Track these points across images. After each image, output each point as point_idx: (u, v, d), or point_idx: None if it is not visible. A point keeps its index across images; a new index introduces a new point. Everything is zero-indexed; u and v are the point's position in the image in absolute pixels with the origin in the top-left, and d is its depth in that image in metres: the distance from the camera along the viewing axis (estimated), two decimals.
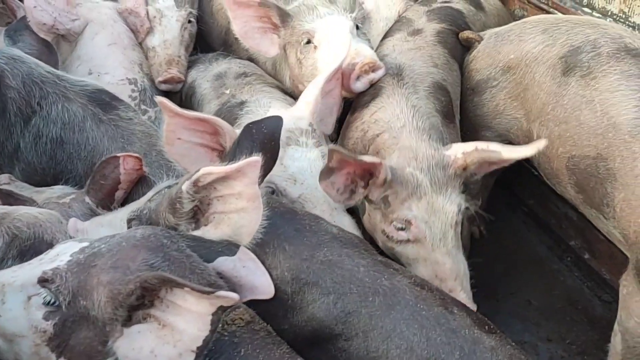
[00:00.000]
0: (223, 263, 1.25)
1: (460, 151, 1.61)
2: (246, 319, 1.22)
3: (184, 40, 2.44)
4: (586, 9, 2.18)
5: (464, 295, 1.52)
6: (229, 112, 1.95)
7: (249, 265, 1.27)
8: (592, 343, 2.14)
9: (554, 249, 2.55)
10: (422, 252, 1.57)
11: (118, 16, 2.39)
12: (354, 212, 1.76)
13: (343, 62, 1.85)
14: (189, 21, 2.47)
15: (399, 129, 1.74)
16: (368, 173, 1.59)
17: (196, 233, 1.34)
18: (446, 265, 1.54)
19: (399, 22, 2.26)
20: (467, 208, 1.61)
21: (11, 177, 1.97)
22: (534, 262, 2.52)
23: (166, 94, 2.39)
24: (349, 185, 1.60)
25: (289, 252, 1.35)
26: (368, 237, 1.68)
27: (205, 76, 2.28)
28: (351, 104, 2.01)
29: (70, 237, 1.49)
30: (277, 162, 1.53)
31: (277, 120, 1.56)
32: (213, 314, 1.05)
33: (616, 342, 1.72)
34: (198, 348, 1.06)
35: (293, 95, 2.14)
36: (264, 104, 1.91)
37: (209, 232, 1.33)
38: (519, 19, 2.47)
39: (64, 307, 1.11)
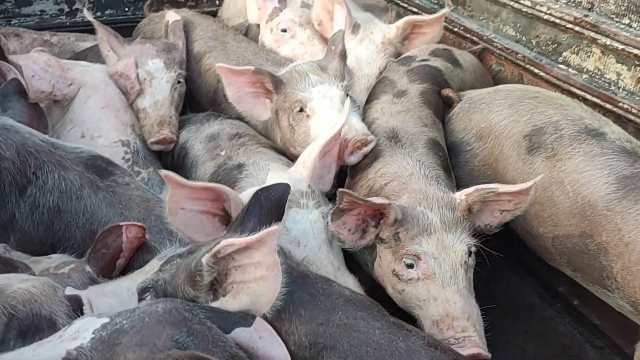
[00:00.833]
0: (240, 334, 1.26)
1: (464, 193, 1.69)
2: None
3: (174, 101, 2.47)
4: (562, 66, 2.31)
5: (477, 338, 1.52)
6: (227, 175, 1.98)
7: (265, 336, 1.28)
8: None
9: (543, 295, 2.59)
10: (432, 291, 1.60)
11: (109, 79, 2.41)
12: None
13: (337, 137, 1.92)
14: (179, 82, 2.52)
15: (407, 176, 1.82)
16: (379, 213, 1.65)
17: (214, 304, 1.35)
18: (457, 304, 1.56)
19: (382, 84, 2.34)
20: (475, 253, 1.65)
21: (6, 247, 1.93)
22: (525, 309, 2.56)
23: (158, 153, 2.44)
24: (360, 225, 1.66)
25: (305, 317, 1.37)
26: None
27: (198, 137, 2.31)
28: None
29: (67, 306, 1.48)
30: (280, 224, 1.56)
31: (284, 188, 1.59)
32: None
33: None
34: None
35: (285, 153, 2.20)
36: (262, 167, 1.95)
37: (228, 302, 1.34)
38: (496, 74, 2.63)
39: None
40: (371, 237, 1.71)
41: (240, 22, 3.03)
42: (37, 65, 2.26)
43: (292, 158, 2.10)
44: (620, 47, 2.02)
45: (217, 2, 3.53)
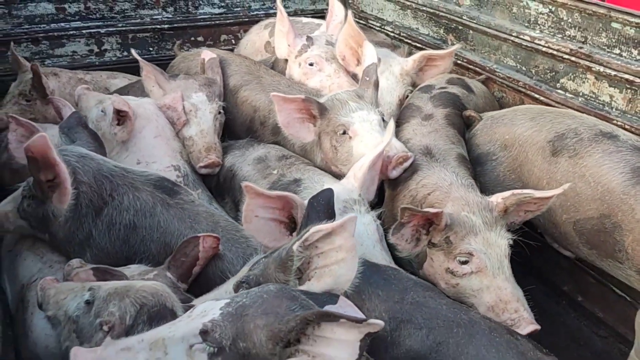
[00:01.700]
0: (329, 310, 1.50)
1: (500, 197, 1.97)
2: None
3: (216, 129, 2.73)
4: (560, 91, 2.65)
5: (527, 315, 1.79)
6: (285, 189, 2.20)
7: (349, 311, 1.48)
8: None
9: (550, 294, 2.83)
10: (485, 281, 1.85)
11: (159, 111, 2.66)
12: None
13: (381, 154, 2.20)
14: (219, 112, 2.78)
15: (448, 186, 2.09)
16: (428, 223, 1.90)
17: (301, 288, 1.58)
18: (507, 290, 1.84)
19: (410, 109, 2.66)
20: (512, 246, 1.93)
21: (81, 261, 2.12)
22: (534, 308, 2.84)
23: (204, 177, 2.68)
24: (414, 234, 1.91)
25: (382, 297, 1.63)
26: None
27: (245, 160, 2.56)
28: None
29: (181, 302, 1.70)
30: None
31: (329, 192, 1.84)
32: (361, 340, 1.25)
33: None
34: None
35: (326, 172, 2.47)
36: (317, 180, 2.23)
37: (313, 285, 1.57)
38: (499, 99, 2.98)
39: (227, 348, 1.31)
40: (424, 244, 1.95)
41: (261, 59, 3.34)
42: None
43: (332, 175, 2.38)
44: (613, 73, 2.38)
45: (233, 42, 3.83)
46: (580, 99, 2.56)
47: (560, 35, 2.61)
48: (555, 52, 2.61)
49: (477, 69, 3.05)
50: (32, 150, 1.95)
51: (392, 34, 3.59)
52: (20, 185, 2.19)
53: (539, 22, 2.70)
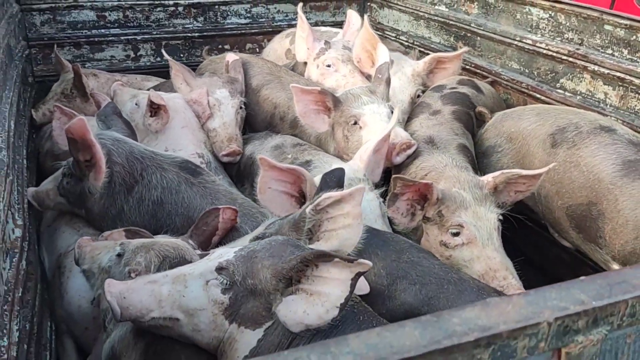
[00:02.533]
0: None
1: (491, 176, 2.14)
2: (358, 300, 1.65)
3: (238, 122, 2.96)
4: (559, 91, 2.83)
5: (515, 282, 1.92)
6: None
7: None
8: None
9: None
10: (475, 252, 1.99)
11: (187, 104, 2.92)
12: None
13: (386, 139, 2.39)
14: (240, 107, 3.00)
15: (442, 167, 2.27)
16: (423, 198, 2.06)
17: (310, 247, 1.77)
18: (497, 259, 1.96)
19: (420, 107, 2.86)
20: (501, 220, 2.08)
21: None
22: None
23: (225, 166, 2.91)
24: (409, 209, 2.07)
25: (381, 256, 1.80)
26: None
27: (264, 148, 2.77)
28: None
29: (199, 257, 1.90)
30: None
31: (341, 171, 2.03)
32: (352, 279, 1.40)
33: None
34: (341, 304, 1.41)
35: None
36: (326, 161, 2.43)
37: (321, 245, 1.73)
38: (504, 100, 3.17)
39: (238, 284, 1.50)
40: (419, 218, 2.09)
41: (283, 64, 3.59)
42: None
43: None
44: (606, 72, 2.55)
45: (257, 50, 4.10)
46: (578, 97, 2.73)
47: (559, 38, 2.80)
48: (555, 54, 2.79)
49: (484, 73, 3.25)
50: (72, 132, 2.16)
51: (406, 43, 3.82)
52: (61, 166, 2.44)
53: (540, 27, 2.89)
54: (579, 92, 2.73)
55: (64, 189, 2.37)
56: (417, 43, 3.73)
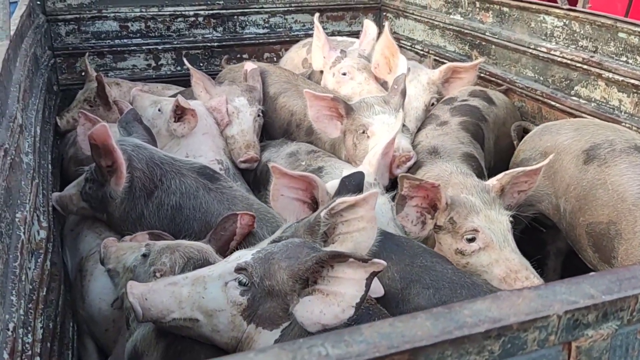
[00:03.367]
0: None
1: (495, 179, 2.14)
2: (373, 302, 1.68)
3: (255, 130, 3.01)
4: (574, 98, 2.84)
5: (538, 281, 1.88)
6: None
7: None
8: None
9: None
10: (493, 255, 1.96)
11: (207, 111, 2.98)
12: None
13: (393, 142, 2.42)
14: (258, 115, 3.06)
15: (448, 176, 2.27)
16: (433, 206, 2.06)
17: (326, 249, 1.81)
18: (516, 260, 1.94)
19: (429, 118, 2.89)
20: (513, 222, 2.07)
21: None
22: None
23: (243, 172, 2.96)
24: (420, 217, 2.07)
25: (395, 260, 1.82)
26: None
27: (279, 155, 2.82)
28: None
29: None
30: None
31: (361, 175, 2.07)
32: (367, 279, 1.41)
33: None
34: (357, 304, 1.42)
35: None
36: (337, 167, 2.47)
37: (336, 248, 1.76)
38: (519, 108, 3.18)
39: (256, 285, 1.54)
40: (430, 227, 2.07)
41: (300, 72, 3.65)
42: None
43: None
44: (621, 79, 2.56)
45: (275, 59, 4.17)
46: (592, 105, 2.74)
47: (573, 46, 2.82)
48: (569, 62, 2.81)
49: (498, 80, 3.27)
50: (95, 138, 2.21)
51: (421, 52, 3.86)
52: (84, 169, 2.50)
53: (554, 35, 2.91)
54: (593, 100, 2.74)
55: (86, 193, 2.43)
56: (432, 52, 3.76)
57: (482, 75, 3.33)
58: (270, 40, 4.14)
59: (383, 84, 3.13)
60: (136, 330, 1.80)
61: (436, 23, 3.74)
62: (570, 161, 2.35)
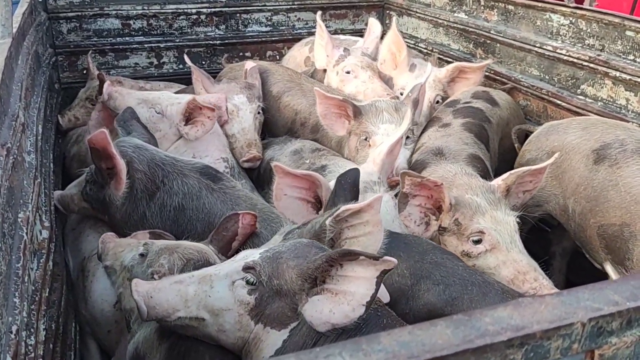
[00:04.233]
0: None
1: (500, 179, 2.11)
2: (382, 304, 1.65)
3: (256, 128, 2.99)
4: (580, 97, 2.82)
5: (547, 282, 1.86)
6: None
7: None
8: None
9: None
10: (500, 257, 1.93)
11: None
12: None
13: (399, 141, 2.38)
14: (259, 112, 3.04)
15: (452, 176, 2.23)
16: (437, 208, 2.03)
17: None
18: (523, 261, 1.91)
19: (432, 121, 2.86)
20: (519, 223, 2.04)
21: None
22: None
23: (247, 170, 2.93)
24: (423, 218, 2.03)
25: (404, 257, 1.79)
26: None
27: (283, 152, 2.79)
28: None
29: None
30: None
31: (355, 171, 2.00)
32: (377, 277, 1.39)
33: None
34: (367, 302, 1.40)
35: None
36: (341, 165, 2.44)
37: None
38: (524, 107, 3.15)
39: (264, 284, 1.51)
40: (434, 228, 2.04)
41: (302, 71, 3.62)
42: None
43: None
44: (628, 77, 2.54)
45: (277, 57, 4.14)
46: (599, 104, 2.71)
47: (580, 45, 2.79)
48: (575, 60, 2.78)
49: (503, 79, 3.24)
50: (94, 143, 2.18)
51: (425, 50, 3.83)
52: (85, 171, 2.46)
53: (560, 33, 2.89)
54: (600, 99, 2.72)
55: (87, 194, 2.40)
56: (436, 50, 3.73)
57: (487, 74, 3.29)
58: (273, 39, 4.11)
59: (388, 81, 3.11)
60: (137, 332, 1.78)
61: (440, 21, 3.71)
62: (580, 161, 2.31)
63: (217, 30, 3.99)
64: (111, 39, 3.76)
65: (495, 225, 1.99)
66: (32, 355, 1.55)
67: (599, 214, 2.18)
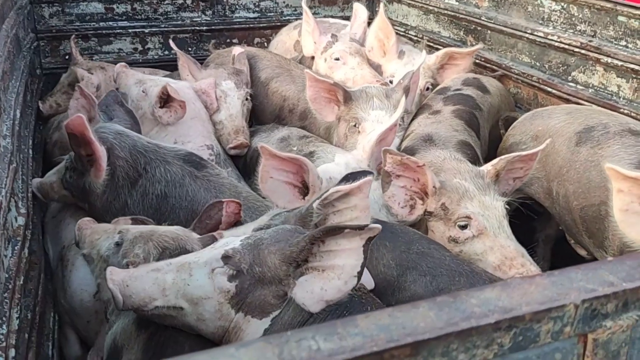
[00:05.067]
0: None
1: (490, 164, 2.07)
2: (366, 291, 1.61)
3: (244, 114, 2.93)
4: (571, 84, 2.77)
5: (535, 268, 1.82)
6: None
7: None
8: None
9: None
10: (487, 243, 1.89)
11: (195, 94, 2.88)
12: None
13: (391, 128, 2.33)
14: (246, 98, 2.97)
15: (441, 161, 2.19)
16: (424, 191, 1.98)
17: None
18: (511, 247, 1.88)
19: (422, 108, 2.81)
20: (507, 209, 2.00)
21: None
22: None
23: (233, 158, 2.87)
24: (408, 200, 1.99)
25: (389, 247, 1.76)
26: None
27: (270, 140, 2.72)
28: None
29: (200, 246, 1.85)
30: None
31: (366, 175, 1.87)
32: (364, 245, 1.35)
33: None
34: (358, 273, 1.36)
35: None
36: (330, 151, 2.38)
37: None
38: (514, 95, 3.11)
39: (244, 272, 1.46)
40: (419, 212, 2.00)
41: (290, 57, 3.55)
42: None
43: None
44: (620, 64, 2.50)
45: (265, 44, 4.07)
46: (590, 90, 2.67)
47: (571, 31, 2.75)
48: (567, 47, 2.74)
49: (493, 66, 3.19)
50: (71, 128, 2.10)
51: (415, 38, 3.77)
52: (64, 158, 2.39)
53: (552, 19, 2.84)
54: (591, 85, 2.68)
55: (67, 182, 2.34)
56: (427, 37, 3.68)
57: (477, 61, 3.25)
58: (261, 25, 4.03)
59: (377, 68, 3.05)
60: (115, 323, 1.72)
61: (430, 8, 3.65)
62: (562, 143, 2.29)
63: (203, 15, 3.90)
64: (94, 23, 3.68)
65: (483, 210, 1.95)
66: (4, 344, 1.49)
67: (581, 195, 2.17)
